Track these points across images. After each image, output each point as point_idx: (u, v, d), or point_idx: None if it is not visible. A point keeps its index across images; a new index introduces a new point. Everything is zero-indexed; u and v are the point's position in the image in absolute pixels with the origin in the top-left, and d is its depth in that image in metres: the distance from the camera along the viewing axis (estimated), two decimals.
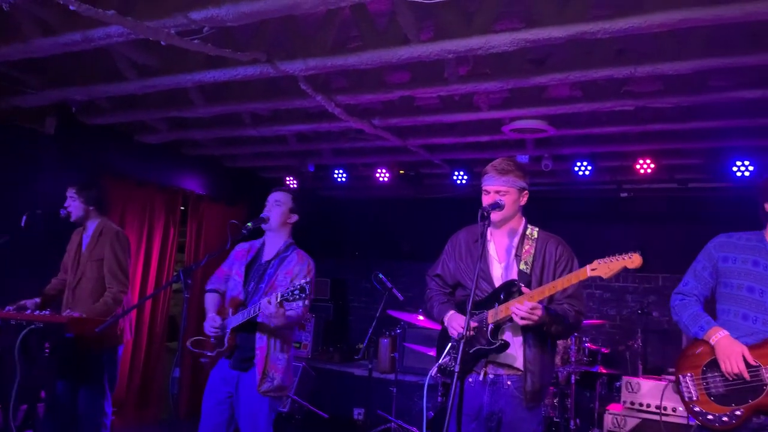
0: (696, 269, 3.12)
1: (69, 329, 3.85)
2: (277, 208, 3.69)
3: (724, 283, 2.99)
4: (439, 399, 5.60)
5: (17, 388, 3.76)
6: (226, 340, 3.57)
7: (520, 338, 2.97)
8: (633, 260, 2.67)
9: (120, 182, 6.28)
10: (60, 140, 5.76)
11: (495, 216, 3.04)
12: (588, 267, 2.77)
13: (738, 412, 2.80)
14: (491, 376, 2.99)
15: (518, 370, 2.97)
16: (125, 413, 6.30)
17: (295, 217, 3.76)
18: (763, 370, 2.76)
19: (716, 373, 2.89)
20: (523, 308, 2.78)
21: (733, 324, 2.92)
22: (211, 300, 3.78)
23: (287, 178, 8.15)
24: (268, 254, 3.74)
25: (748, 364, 2.79)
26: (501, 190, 3.05)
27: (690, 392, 2.96)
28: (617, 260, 2.70)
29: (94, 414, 4.24)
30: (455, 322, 3.03)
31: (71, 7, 3.18)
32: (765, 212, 2.95)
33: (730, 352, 2.82)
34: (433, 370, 3.08)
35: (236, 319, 3.53)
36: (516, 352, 2.97)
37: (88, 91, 4.98)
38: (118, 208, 6.19)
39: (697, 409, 2.93)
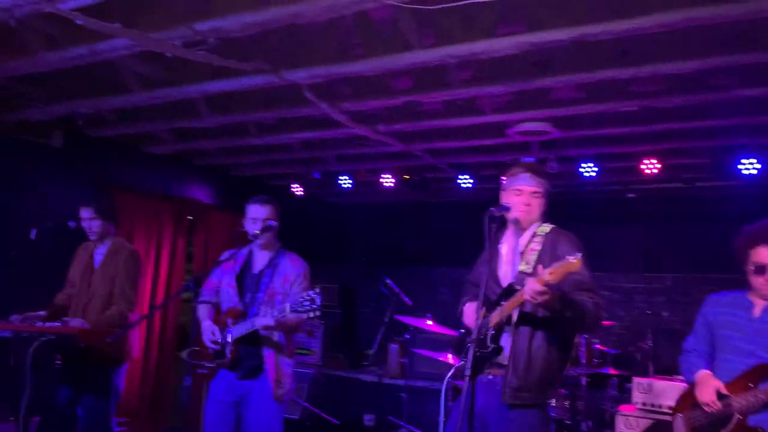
0: (695, 326, 3.40)
1: (80, 340, 3.86)
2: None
3: (714, 334, 3.24)
4: (449, 404, 5.59)
5: (28, 400, 3.78)
6: (228, 351, 3.57)
7: (511, 337, 2.86)
8: (571, 263, 2.50)
9: (127, 193, 6.31)
10: (67, 153, 5.81)
11: (523, 215, 2.99)
12: (546, 270, 2.53)
13: None
14: (490, 377, 2.91)
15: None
16: (137, 424, 6.31)
17: (277, 224, 3.71)
18: (732, 399, 2.96)
19: (699, 409, 3.11)
20: (531, 286, 2.59)
21: (721, 369, 3.14)
22: (203, 310, 3.79)
23: (293, 186, 8.18)
24: (259, 263, 3.75)
25: (721, 395, 2.99)
26: (537, 192, 3.02)
27: (679, 430, 3.23)
28: (561, 264, 2.52)
29: (101, 430, 4.23)
30: (470, 310, 3.10)
31: (77, 21, 3.22)
32: (748, 270, 3.09)
33: (705, 384, 3.07)
34: (450, 373, 3.07)
35: (238, 330, 3.54)
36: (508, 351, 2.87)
37: (94, 104, 5.02)
38: (126, 220, 6.20)
39: None
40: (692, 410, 3.15)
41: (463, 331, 3.42)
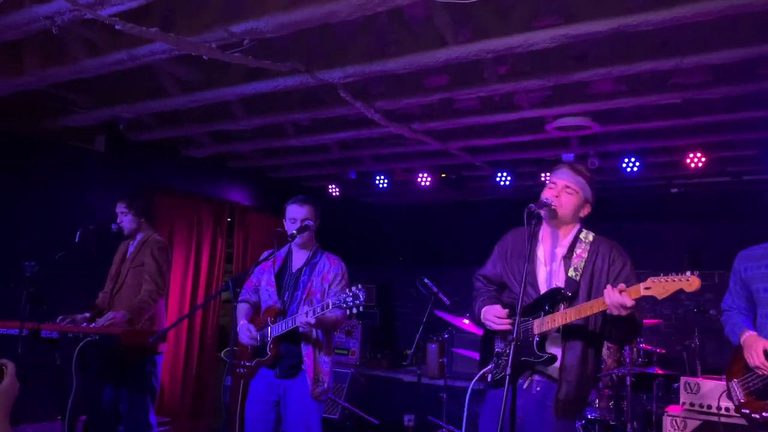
0: (729, 285, 3.35)
1: (123, 340, 3.93)
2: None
3: (751, 290, 3.18)
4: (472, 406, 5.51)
5: (74, 399, 3.86)
6: (267, 349, 3.60)
7: (560, 347, 2.78)
8: (691, 282, 2.47)
9: (168, 196, 6.42)
10: (109, 157, 5.95)
11: (552, 212, 2.85)
12: (641, 285, 2.53)
13: None
14: (532, 383, 2.83)
15: (552, 377, 2.78)
16: (178, 424, 6.41)
17: (314, 224, 3.73)
18: None
19: (753, 373, 3.04)
20: (616, 296, 2.50)
21: (763, 326, 3.08)
22: (241, 309, 3.83)
23: (329, 186, 8.21)
24: (297, 262, 3.78)
25: None
26: (570, 187, 2.85)
27: (737, 395, 3.12)
28: (673, 281, 2.50)
29: (141, 428, 4.29)
30: (490, 314, 2.89)
31: (117, 27, 3.27)
32: None
33: (752, 346, 2.99)
34: (477, 378, 2.99)
35: (278, 329, 3.57)
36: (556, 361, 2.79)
37: (135, 109, 5.12)
38: (166, 221, 6.33)
39: (745, 411, 3.07)
40: (745, 374, 3.08)
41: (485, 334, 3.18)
